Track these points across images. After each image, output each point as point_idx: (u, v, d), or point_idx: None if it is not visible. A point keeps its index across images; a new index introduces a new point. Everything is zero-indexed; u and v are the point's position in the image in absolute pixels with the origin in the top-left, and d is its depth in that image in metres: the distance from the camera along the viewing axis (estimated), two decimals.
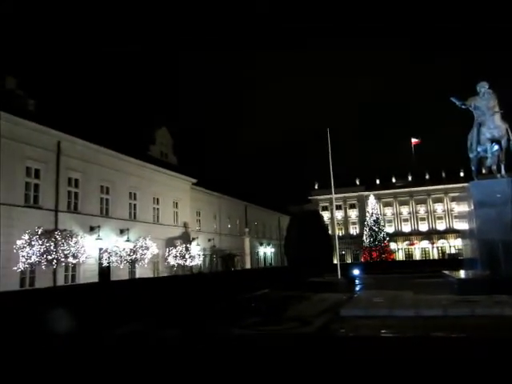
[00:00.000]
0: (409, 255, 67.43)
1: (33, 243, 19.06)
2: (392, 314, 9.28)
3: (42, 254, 19.16)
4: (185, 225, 34.70)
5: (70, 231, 21.27)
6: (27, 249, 18.88)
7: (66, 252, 20.08)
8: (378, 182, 71.90)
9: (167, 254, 30.10)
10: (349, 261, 63.60)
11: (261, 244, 53.45)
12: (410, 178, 70.92)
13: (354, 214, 72.55)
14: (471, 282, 12.54)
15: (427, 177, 69.80)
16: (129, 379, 5.54)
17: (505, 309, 8.88)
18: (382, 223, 57.03)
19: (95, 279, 23.27)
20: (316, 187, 73.24)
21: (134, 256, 25.26)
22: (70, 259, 20.52)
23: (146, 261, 26.36)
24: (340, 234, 64.06)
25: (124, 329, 8.77)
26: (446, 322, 8.39)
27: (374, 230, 53.98)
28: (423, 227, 69.19)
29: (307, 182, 74.78)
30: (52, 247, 19.54)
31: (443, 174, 68.46)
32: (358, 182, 72.52)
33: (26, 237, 19.09)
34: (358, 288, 16.76)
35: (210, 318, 10.32)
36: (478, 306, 9.25)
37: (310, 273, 22.98)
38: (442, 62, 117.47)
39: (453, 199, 65.84)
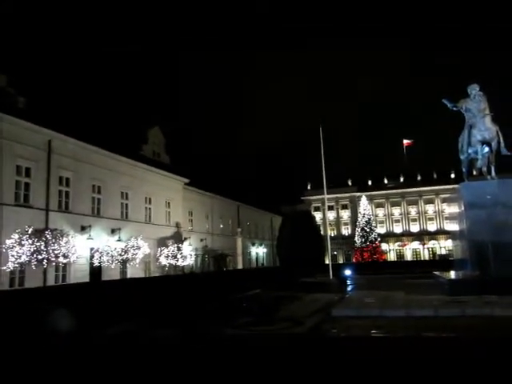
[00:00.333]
0: (400, 256, 67.87)
1: (23, 242, 18.87)
2: (383, 315, 9.34)
3: (32, 254, 18.98)
4: (177, 225, 34.59)
5: (60, 231, 21.10)
6: (17, 248, 18.69)
7: (56, 252, 19.92)
8: (370, 182, 72.26)
9: (159, 253, 29.98)
10: (341, 261, 63.83)
11: (253, 244, 53.46)
12: (401, 179, 71.36)
13: (346, 214, 72.85)
14: (461, 282, 12.66)
15: (419, 178, 70.31)
16: (120, 379, 5.51)
17: (495, 309, 8.97)
18: (373, 224, 57.35)
19: (86, 279, 23.10)
20: (309, 188, 73.44)
21: (125, 256, 25.11)
22: (61, 259, 20.35)
23: (138, 261, 26.23)
24: (332, 235, 64.28)
25: (115, 329, 8.72)
26: (436, 322, 8.46)
27: (365, 231, 54.25)
28: (414, 228, 69.67)
29: (300, 182, 75.09)
30: (42, 247, 19.37)
31: (434, 176, 69.01)
32: (350, 183, 72.83)
33: (16, 236, 18.90)
34: (349, 288, 16.83)
35: (202, 318, 10.30)
36: (468, 307, 9.34)
37: (302, 273, 23.04)
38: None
39: (444, 200, 66.37)
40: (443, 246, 64.23)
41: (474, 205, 13.00)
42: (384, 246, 62.76)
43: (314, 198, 69.79)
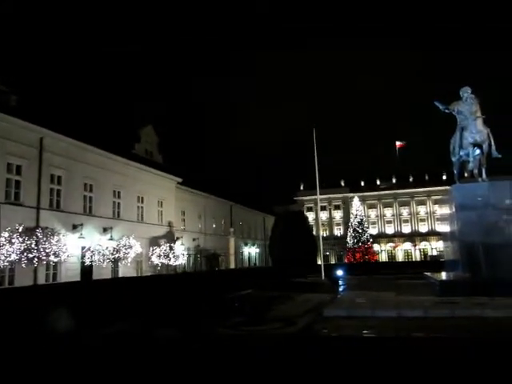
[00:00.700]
0: (392, 257, 68.23)
1: (13, 241, 18.68)
2: (374, 315, 9.40)
3: (22, 252, 18.80)
4: (169, 224, 34.47)
5: (51, 229, 20.91)
6: (7, 246, 18.50)
7: (47, 250, 19.74)
8: (362, 183, 72.55)
9: (151, 253, 29.86)
10: (333, 261, 64.02)
11: (245, 244, 53.45)
12: (394, 181, 71.75)
13: (338, 215, 73.08)
14: (452, 283, 12.79)
15: (411, 179, 70.74)
16: (111, 379, 5.49)
17: (484, 310, 9.07)
18: (365, 225, 57.58)
19: (77, 278, 22.93)
20: (301, 188, 73.57)
21: (117, 255, 24.98)
22: (52, 258, 20.17)
23: (130, 260, 26.09)
24: (324, 235, 64.43)
25: (108, 329, 8.67)
26: (426, 322, 8.53)
27: (357, 232, 54.44)
28: (406, 229, 70.09)
29: (293, 182, 75.13)
30: (33, 245, 19.19)
31: (426, 177, 69.45)
32: (342, 184, 73.04)
33: (6, 234, 18.71)
34: (341, 289, 16.89)
35: (194, 318, 10.28)
36: (458, 308, 9.43)
37: (295, 273, 23.08)
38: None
39: (435, 202, 66.85)
40: (434, 247, 64.64)
41: (464, 206, 13.13)
42: (376, 247, 63.01)
43: (307, 198, 69.91)
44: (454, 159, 15.03)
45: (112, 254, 24.72)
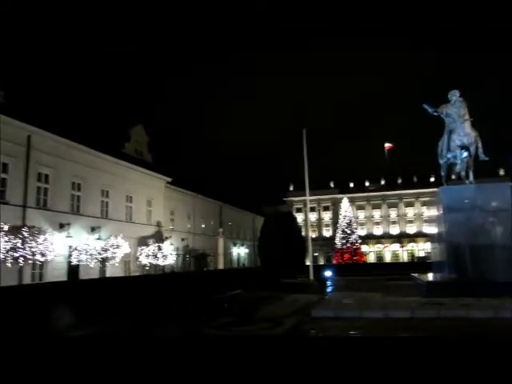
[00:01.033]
0: (380, 258, 68.73)
1: None
2: (361, 316, 9.45)
3: (7, 251, 18.53)
4: (158, 224, 34.29)
5: (38, 228, 20.65)
6: None
7: (33, 249, 19.49)
8: (351, 185, 72.98)
9: (139, 253, 29.66)
10: (321, 262, 64.23)
11: (234, 244, 53.39)
12: (382, 182, 72.30)
13: (327, 216, 73.39)
14: (438, 284, 12.91)
15: (399, 181, 71.33)
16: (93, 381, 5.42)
17: (470, 311, 9.17)
18: (354, 226, 57.90)
19: (64, 278, 22.68)
20: (291, 189, 73.71)
21: (104, 255, 24.76)
22: (38, 257, 19.91)
23: (117, 260, 25.89)
24: (313, 236, 64.64)
25: (94, 329, 8.58)
26: (412, 323, 8.59)
27: (346, 233, 54.74)
28: (394, 230, 70.65)
29: (283, 183, 75.16)
30: (19, 244, 18.93)
31: (415, 179, 70.09)
32: (332, 185, 73.38)
33: None
34: (329, 289, 16.96)
35: (182, 319, 10.22)
36: (444, 308, 9.52)
37: (283, 274, 23.10)
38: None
39: (423, 203, 67.50)
40: (422, 248, 65.28)
41: (452, 208, 13.27)
42: (364, 248, 63.41)
43: (296, 199, 70.06)
44: (441, 161, 15.17)
45: (100, 253, 24.50)
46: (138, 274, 28.39)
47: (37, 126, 22.35)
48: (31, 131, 22.13)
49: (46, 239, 20.37)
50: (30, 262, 20.07)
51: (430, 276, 15.04)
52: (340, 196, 67.42)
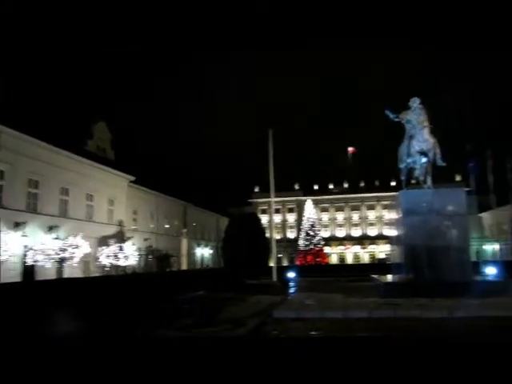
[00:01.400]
0: (342, 259, 70.10)
1: None
2: (322, 316, 9.60)
3: None
4: (120, 223, 33.53)
5: None
6: None
7: None
8: (316, 187, 74.14)
9: (99, 253, 28.88)
10: (285, 263, 64.74)
11: (198, 245, 52.98)
12: (346, 185, 73.88)
13: (292, 217, 74.16)
14: (396, 285, 13.28)
15: (362, 184, 73.11)
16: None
17: (424, 311, 9.50)
18: (317, 228, 58.71)
19: (18, 279, 21.76)
20: (256, 190, 73.97)
21: (62, 255, 23.93)
22: None
23: (76, 260, 25.09)
24: (278, 237, 65.12)
25: (49, 330, 8.28)
26: (370, 323, 8.81)
27: (310, 235, 55.44)
28: (356, 233, 72.31)
29: (248, 184, 75.24)
30: None
31: (376, 183, 72.04)
32: (297, 187, 74.28)
33: None
34: (292, 290, 17.11)
35: (141, 321, 10.03)
36: (400, 309, 9.82)
37: (247, 275, 23.12)
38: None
39: (384, 207, 69.47)
40: (382, 250, 67.15)
41: (410, 212, 13.69)
42: (327, 250, 64.45)
43: (261, 200, 70.33)
44: (401, 166, 15.62)
45: (57, 253, 23.67)
46: (97, 274, 27.62)
47: None
48: None
49: None
50: None
51: (389, 277, 15.45)
52: (304, 198, 68.23)
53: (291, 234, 72.92)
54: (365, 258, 69.13)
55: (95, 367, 5.83)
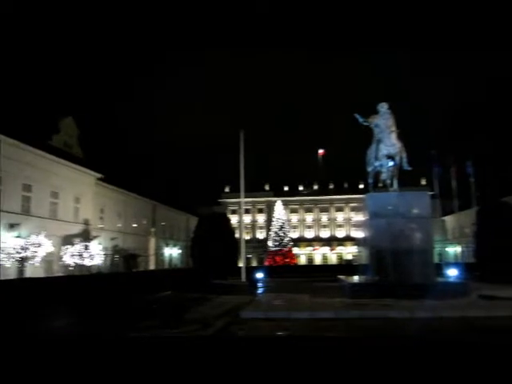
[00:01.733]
0: (310, 260, 70.86)
1: None
2: (289, 316, 9.68)
3: None
4: (86, 222, 32.66)
5: None
6: None
7: None
8: (286, 188, 74.67)
9: (63, 252, 28.02)
10: (254, 264, 64.85)
11: (167, 245, 52.31)
12: (315, 187, 74.75)
13: (261, 218, 74.39)
14: (362, 286, 13.53)
15: (331, 186, 74.14)
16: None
17: (389, 311, 9.74)
18: (287, 228, 59.09)
19: None
20: (227, 190, 73.79)
21: (24, 254, 23.08)
22: None
23: (38, 259, 24.24)
24: (247, 238, 65.19)
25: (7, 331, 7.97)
26: (336, 323, 8.94)
27: (279, 235, 55.72)
28: (325, 234, 73.27)
29: (219, 184, 74.92)
30: None
31: (345, 185, 73.22)
32: (267, 188, 74.58)
33: None
34: (260, 291, 17.15)
35: (105, 321, 9.81)
36: (366, 309, 10.03)
37: (215, 275, 23.01)
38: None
39: (353, 209, 70.72)
40: (350, 251, 68.34)
41: (377, 214, 13.98)
42: (296, 251, 64.96)
43: (232, 200, 70.18)
44: (369, 169, 15.94)
45: (18, 252, 22.81)
46: (61, 274, 26.79)
47: None
48: None
49: None
50: None
51: (356, 278, 15.73)
52: (274, 199, 68.55)
53: (261, 235, 73.13)
54: (333, 259, 70.11)
55: (56, 369, 5.65)
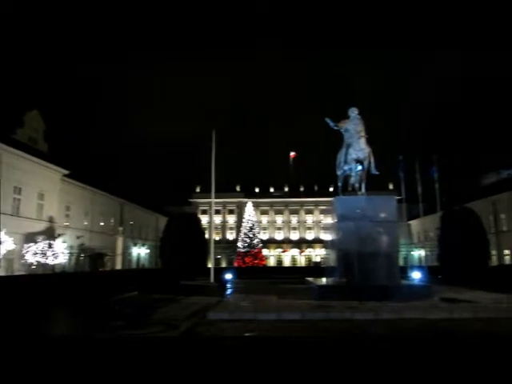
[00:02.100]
0: (279, 262, 71.30)
1: None
2: (256, 318, 9.69)
3: None
4: (50, 219, 31.70)
5: None
6: None
7: None
8: (257, 190, 74.84)
9: (26, 250, 27.10)
10: (224, 265, 64.66)
11: (135, 244, 51.44)
12: (286, 189, 75.27)
13: (232, 219, 74.27)
14: (329, 288, 13.70)
15: (302, 189, 74.82)
16: None
17: (354, 313, 9.90)
18: (257, 230, 59.22)
19: None
20: (197, 190, 73.31)
21: None
22: None
23: None
24: (217, 239, 64.92)
25: None
26: (302, 324, 9.02)
27: (249, 236, 55.76)
28: (294, 236, 73.88)
29: (190, 184, 74.32)
30: None
31: (315, 188, 74.08)
32: (238, 189, 74.55)
33: None
34: (228, 292, 17.09)
35: (69, 322, 9.55)
36: (332, 311, 10.16)
37: (184, 276, 22.80)
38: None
39: (322, 211, 71.63)
40: (318, 254, 69.17)
41: (345, 217, 14.19)
42: (265, 252, 65.20)
43: (202, 201, 69.79)
44: (338, 173, 16.18)
45: None
46: (22, 273, 25.88)
47: None
48: None
49: None
50: None
51: (323, 280, 15.91)
52: (245, 200, 68.59)
53: (231, 236, 73.00)
54: (301, 261, 70.77)
55: (14, 369, 5.44)
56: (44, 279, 20.65)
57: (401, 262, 25.34)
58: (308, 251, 71.82)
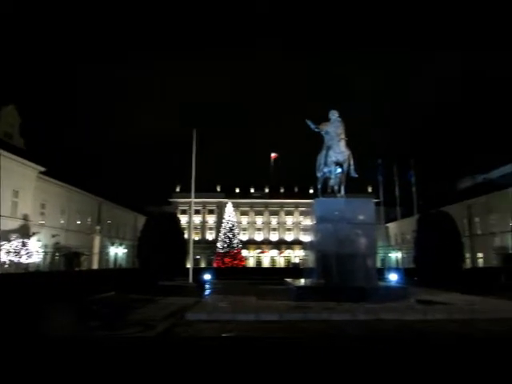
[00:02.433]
0: (259, 263, 71.38)
1: None
2: (235, 318, 9.68)
3: None
4: (25, 217, 30.95)
5: None
6: None
7: None
8: (237, 190, 74.75)
9: None
10: (202, 265, 64.33)
11: (112, 244, 50.68)
12: (266, 190, 75.40)
13: (212, 219, 73.97)
14: (307, 289, 13.80)
15: (282, 190, 75.08)
16: None
17: (332, 314, 10.00)
18: (237, 230, 59.13)
19: None
20: (177, 190, 72.74)
21: None
22: None
23: None
24: (196, 239, 64.55)
25: None
26: (281, 325, 9.06)
27: (228, 237, 55.62)
28: (274, 237, 74.07)
29: (169, 183, 73.62)
30: None
31: (296, 189, 74.46)
32: (218, 189, 74.32)
33: None
34: (206, 292, 17.02)
35: (43, 322, 9.33)
36: (310, 312, 10.24)
37: (162, 276, 22.58)
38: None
39: (301, 213, 72.06)
40: (297, 255, 69.57)
41: (323, 219, 14.31)
42: (245, 253, 65.17)
43: (182, 200, 69.26)
44: (318, 175, 16.31)
45: None
46: None
47: None
48: None
49: None
50: None
51: (301, 281, 16.01)
52: (225, 200, 68.38)
53: (210, 236, 72.72)
54: (281, 262, 71.02)
55: None
56: (16, 278, 20.14)
57: (378, 264, 25.66)
58: (287, 252, 72.12)
